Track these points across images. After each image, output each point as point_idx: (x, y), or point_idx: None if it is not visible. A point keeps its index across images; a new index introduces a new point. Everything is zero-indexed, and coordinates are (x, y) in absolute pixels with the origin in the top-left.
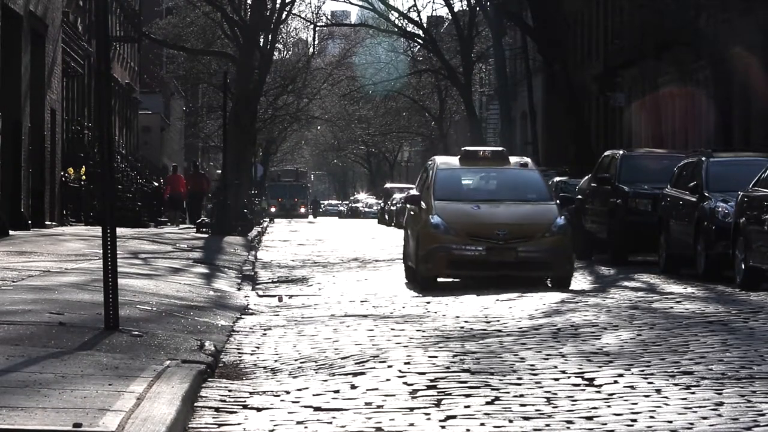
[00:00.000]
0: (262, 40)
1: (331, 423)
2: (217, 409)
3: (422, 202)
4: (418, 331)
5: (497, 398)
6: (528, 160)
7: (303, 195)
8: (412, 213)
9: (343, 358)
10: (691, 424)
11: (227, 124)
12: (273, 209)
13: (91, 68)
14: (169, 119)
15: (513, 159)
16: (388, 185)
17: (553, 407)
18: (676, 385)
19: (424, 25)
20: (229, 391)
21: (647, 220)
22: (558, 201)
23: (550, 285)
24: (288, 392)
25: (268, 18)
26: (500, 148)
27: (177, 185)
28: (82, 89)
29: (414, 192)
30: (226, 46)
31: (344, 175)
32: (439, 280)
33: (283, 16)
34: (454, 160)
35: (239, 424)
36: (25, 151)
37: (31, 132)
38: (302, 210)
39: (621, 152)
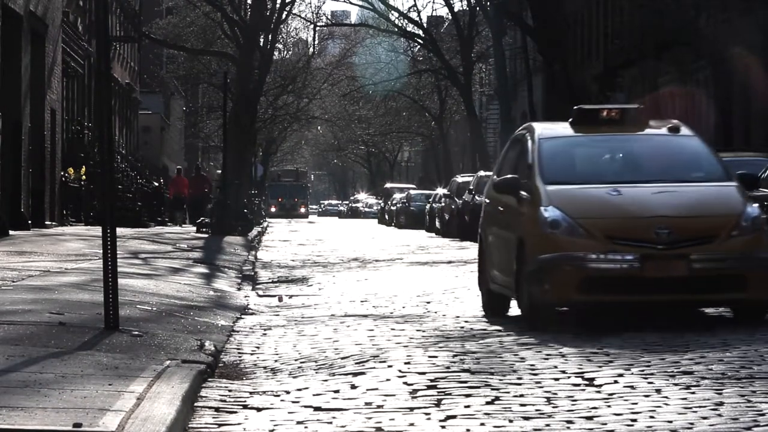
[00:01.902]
0: (262, 40)
1: (331, 423)
2: (217, 409)
3: (521, 190)
4: (418, 331)
5: (497, 398)
6: (678, 122)
7: (303, 195)
8: (500, 208)
9: (343, 358)
10: (691, 424)
11: (227, 124)
12: (273, 209)
13: (91, 68)
14: (169, 119)
15: (654, 122)
16: (388, 185)
17: (553, 407)
18: (676, 385)
19: (424, 25)
20: (229, 391)
21: None
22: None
23: (732, 315)
24: (288, 392)
25: (268, 18)
26: (634, 105)
27: (181, 187)
28: (82, 89)
29: (497, 176)
30: (226, 46)
31: (344, 175)
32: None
33: (283, 16)
34: (562, 126)
35: (239, 424)
36: (25, 151)
37: (31, 132)
38: (302, 210)
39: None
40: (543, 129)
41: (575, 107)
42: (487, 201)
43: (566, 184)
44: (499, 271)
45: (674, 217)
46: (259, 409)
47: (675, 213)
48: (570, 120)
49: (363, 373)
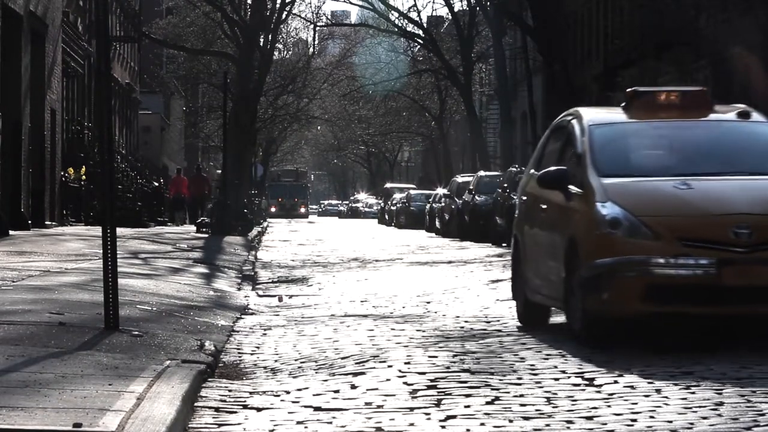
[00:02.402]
0: (262, 40)
1: (331, 423)
2: (217, 409)
3: (570, 184)
4: (418, 331)
5: (497, 398)
6: (747, 107)
7: (303, 195)
8: (543, 206)
9: (343, 358)
10: (691, 424)
11: (227, 124)
12: (273, 209)
13: (91, 68)
14: (169, 119)
15: (719, 107)
16: (388, 185)
17: (553, 407)
18: (676, 385)
19: (424, 25)
20: (229, 391)
21: None
22: None
23: None
24: (288, 392)
25: (268, 18)
26: (698, 88)
27: (181, 187)
28: (82, 89)
29: (535, 169)
30: (226, 46)
31: (344, 175)
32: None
33: (283, 16)
34: (613, 111)
35: (239, 424)
36: (25, 151)
37: (31, 132)
38: (302, 210)
39: None
40: (593, 114)
41: (629, 89)
42: (524, 198)
43: (624, 176)
44: (541, 278)
45: (756, 214)
46: (259, 409)
47: (756, 210)
48: (622, 104)
49: (363, 373)
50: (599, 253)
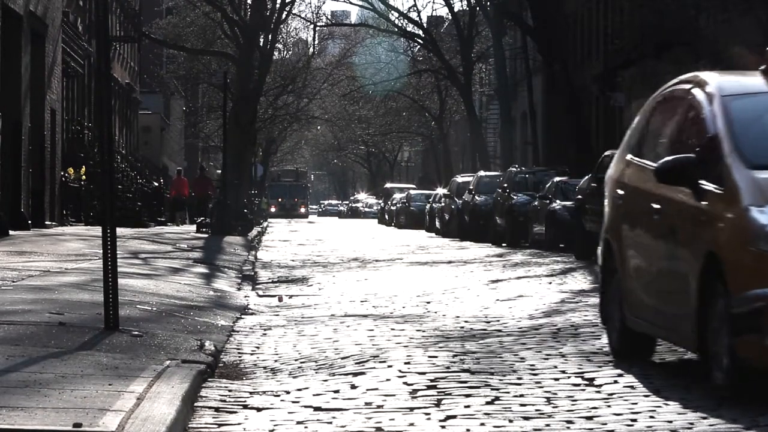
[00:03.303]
0: (262, 40)
1: (331, 423)
2: (217, 409)
3: (702, 178)
4: (418, 331)
5: (497, 398)
6: None
7: (303, 195)
8: (656, 206)
9: (343, 358)
10: (691, 424)
11: (227, 124)
12: (273, 209)
13: (91, 68)
14: (169, 119)
15: None
16: (388, 185)
17: (553, 407)
18: (675, 384)
19: (424, 25)
20: (229, 391)
21: None
22: None
23: None
24: (288, 392)
25: (268, 18)
26: None
27: (182, 188)
28: (82, 89)
29: (634, 155)
30: (226, 46)
31: (344, 175)
32: None
33: (283, 16)
34: (749, 78)
35: (239, 424)
36: (25, 151)
37: (31, 132)
38: (302, 210)
39: None
40: (723, 81)
41: None
42: (620, 192)
43: None
44: (653, 303)
45: None
46: (259, 409)
47: None
48: (762, 68)
49: (363, 373)
50: (758, 280)
